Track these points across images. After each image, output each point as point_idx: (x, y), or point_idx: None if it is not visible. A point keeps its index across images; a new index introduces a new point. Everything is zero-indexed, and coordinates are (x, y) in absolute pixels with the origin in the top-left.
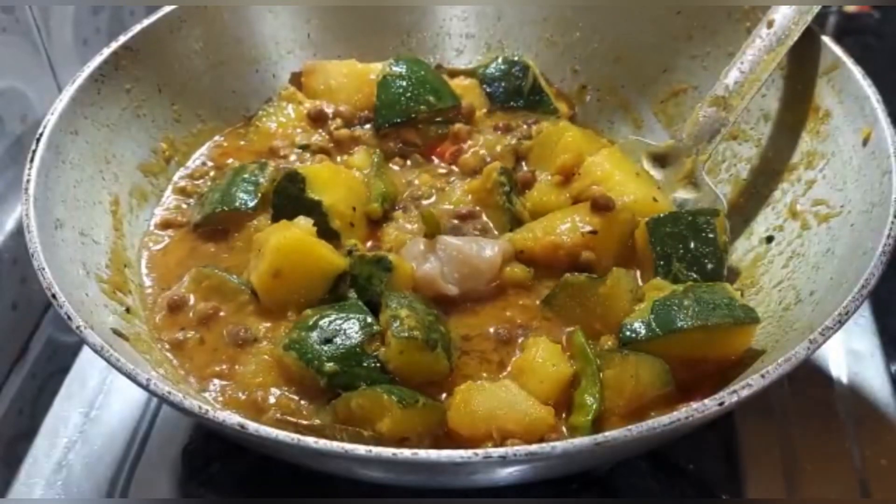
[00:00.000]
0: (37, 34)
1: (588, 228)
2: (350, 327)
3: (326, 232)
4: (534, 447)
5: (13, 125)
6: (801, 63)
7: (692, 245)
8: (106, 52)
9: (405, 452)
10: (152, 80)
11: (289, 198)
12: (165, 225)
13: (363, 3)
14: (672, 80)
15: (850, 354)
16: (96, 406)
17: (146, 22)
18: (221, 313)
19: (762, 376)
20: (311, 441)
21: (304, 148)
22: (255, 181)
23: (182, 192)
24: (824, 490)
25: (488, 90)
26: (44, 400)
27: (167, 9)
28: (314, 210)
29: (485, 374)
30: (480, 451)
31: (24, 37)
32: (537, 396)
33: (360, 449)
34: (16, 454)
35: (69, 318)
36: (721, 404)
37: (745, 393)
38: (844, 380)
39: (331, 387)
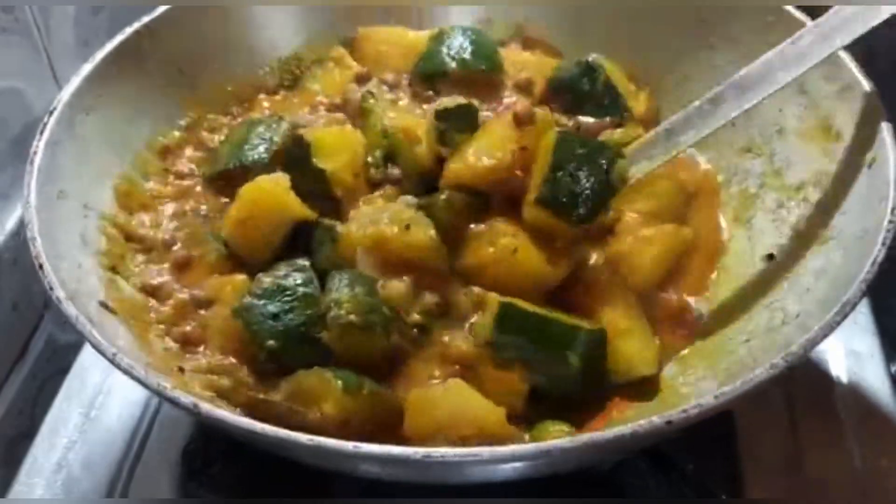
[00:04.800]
0: (37, 34)
1: (517, 145)
2: (297, 305)
3: (328, 199)
4: (531, 447)
5: (13, 125)
6: (818, 80)
7: (584, 169)
8: (128, 30)
9: (395, 450)
10: (170, 60)
11: (295, 161)
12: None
13: (364, 3)
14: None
15: (850, 354)
16: (96, 406)
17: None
18: (194, 259)
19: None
20: (302, 438)
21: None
22: (268, 137)
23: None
24: (824, 490)
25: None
26: (44, 400)
27: None
28: (319, 177)
29: (437, 372)
30: (473, 450)
31: (24, 37)
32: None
33: (349, 446)
34: (16, 454)
35: (51, 287)
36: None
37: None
38: (844, 380)
39: (271, 361)
